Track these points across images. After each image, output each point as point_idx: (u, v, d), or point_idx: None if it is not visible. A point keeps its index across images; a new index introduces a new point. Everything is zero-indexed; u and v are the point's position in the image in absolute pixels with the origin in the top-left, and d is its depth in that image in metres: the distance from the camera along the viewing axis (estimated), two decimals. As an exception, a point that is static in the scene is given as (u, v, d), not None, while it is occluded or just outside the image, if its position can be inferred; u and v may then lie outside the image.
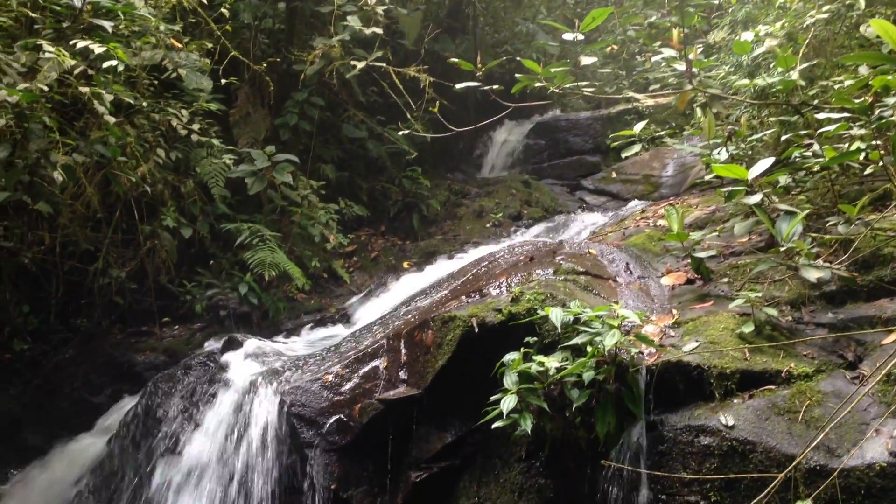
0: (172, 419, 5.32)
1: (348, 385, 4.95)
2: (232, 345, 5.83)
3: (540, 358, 3.92)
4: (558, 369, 3.85)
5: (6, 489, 6.19)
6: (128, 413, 5.71)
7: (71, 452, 6.13)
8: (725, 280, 4.63)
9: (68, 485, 5.85)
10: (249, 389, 5.13)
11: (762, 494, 3.13)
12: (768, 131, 5.46)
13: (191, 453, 5.06)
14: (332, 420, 4.82)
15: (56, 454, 6.21)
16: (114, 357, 6.72)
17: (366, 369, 4.99)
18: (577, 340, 3.88)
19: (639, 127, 5.01)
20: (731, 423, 3.48)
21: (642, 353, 3.91)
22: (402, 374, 4.86)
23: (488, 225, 9.58)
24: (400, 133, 7.16)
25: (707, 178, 5.72)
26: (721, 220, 5.54)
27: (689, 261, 4.82)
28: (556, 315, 4.01)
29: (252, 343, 5.86)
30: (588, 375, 3.74)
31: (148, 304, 6.98)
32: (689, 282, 4.80)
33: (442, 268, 7.82)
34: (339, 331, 6.71)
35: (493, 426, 3.91)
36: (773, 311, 3.93)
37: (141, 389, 5.76)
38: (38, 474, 6.13)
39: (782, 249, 4.15)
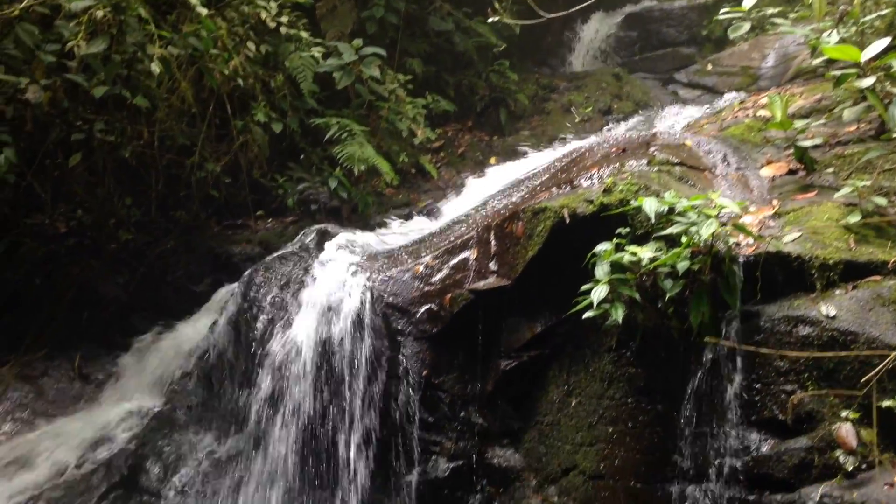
0: (269, 307, 5.49)
1: (439, 276, 5.02)
2: (324, 236, 5.95)
3: (633, 248, 3.88)
4: (651, 260, 3.80)
5: (116, 372, 6.58)
6: (227, 301, 5.94)
7: (175, 338, 6.43)
8: (830, 170, 4.44)
9: (173, 369, 6.17)
10: (342, 279, 5.24)
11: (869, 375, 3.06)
12: (883, 11, 5.10)
13: (287, 339, 5.24)
14: (423, 309, 4.92)
15: (161, 340, 6.54)
16: (212, 248, 6.96)
17: (456, 260, 5.04)
18: (672, 230, 3.80)
19: (749, 2, 4.71)
20: (832, 313, 3.40)
21: (739, 244, 3.82)
22: (492, 266, 4.88)
23: (577, 120, 9.37)
24: (489, 20, 6.99)
25: (814, 63, 5.41)
26: (827, 109, 5.27)
27: (792, 151, 4.63)
28: (650, 205, 3.93)
29: (343, 235, 5.96)
30: (682, 266, 3.68)
31: (242, 197, 7.15)
32: (791, 172, 4.62)
33: (530, 162, 7.71)
34: (427, 225, 6.74)
35: (584, 316, 3.92)
36: (882, 201, 3.76)
37: (238, 279, 5.95)
38: (144, 357, 6.48)
39: (894, 136, 3.93)
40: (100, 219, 6.64)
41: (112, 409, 5.99)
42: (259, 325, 5.45)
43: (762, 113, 5.83)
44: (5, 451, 5.77)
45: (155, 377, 6.19)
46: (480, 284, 4.83)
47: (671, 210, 3.92)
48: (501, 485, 4.63)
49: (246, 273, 5.85)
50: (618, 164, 4.91)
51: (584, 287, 3.94)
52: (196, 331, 6.24)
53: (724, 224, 3.79)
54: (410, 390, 4.81)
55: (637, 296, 3.84)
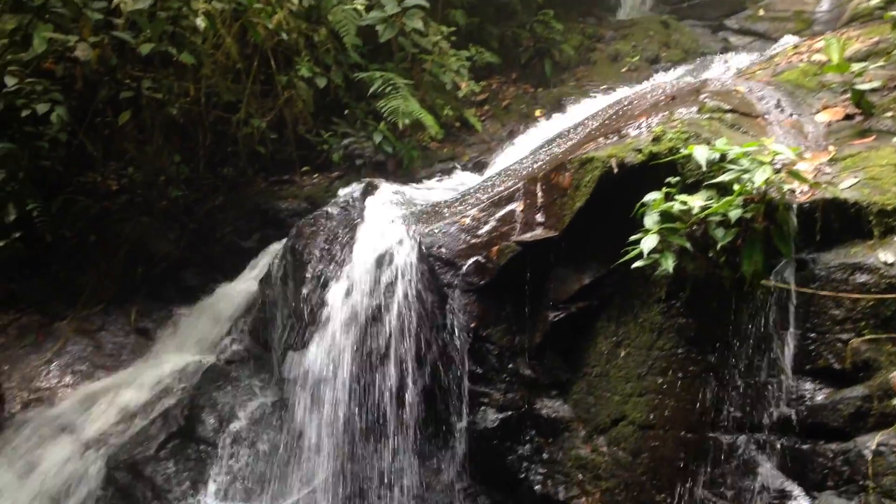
0: (317, 260, 5.53)
1: (485, 228, 4.99)
2: (370, 190, 5.96)
3: (683, 197, 3.81)
4: (702, 208, 3.74)
5: (170, 326, 6.74)
6: (275, 256, 6.01)
7: (226, 292, 6.55)
8: (889, 115, 4.30)
9: (225, 322, 6.29)
10: (389, 232, 5.25)
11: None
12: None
13: (335, 293, 5.29)
14: (469, 262, 4.91)
15: (213, 294, 6.66)
16: (259, 204, 7.04)
17: (502, 212, 5.01)
18: (724, 178, 3.73)
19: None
20: (891, 260, 3.32)
21: (794, 191, 3.74)
22: (539, 217, 4.84)
23: (624, 69, 9.19)
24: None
25: (871, 3, 5.22)
26: (885, 52, 5.08)
27: (849, 95, 4.48)
28: (701, 153, 3.85)
29: (389, 188, 5.96)
30: (735, 214, 3.61)
31: (288, 153, 7.20)
32: (848, 117, 4.48)
33: (576, 113, 7.60)
34: (472, 178, 6.71)
35: (633, 266, 3.88)
36: (944, 145, 3.64)
37: (286, 235, 6.00)
38: (197, 311, 6.62)
39: (958, 78, 3.79)
40: (149, 176, 6.76)
41: (167, 361, 6.15)
42: (307, 278, 5.51)
43: (817, 57, 5.65)
44: (68, 402, 5.98)
45: (207, 331, 6.32)
46: (527, 236, 4.80)
47: (723, 157, 3.83)
48: (550, 435, 4.66)
49: (293, 228, 5.90)
50: (667, 112, 4.81)
51: (632, 237, 3.89)
52: (246, 285, 6.34)
53: (778, 171, 3.70)
54: (458, 342, 4.83)
55: (687, 245, 3.78)
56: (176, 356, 6.21)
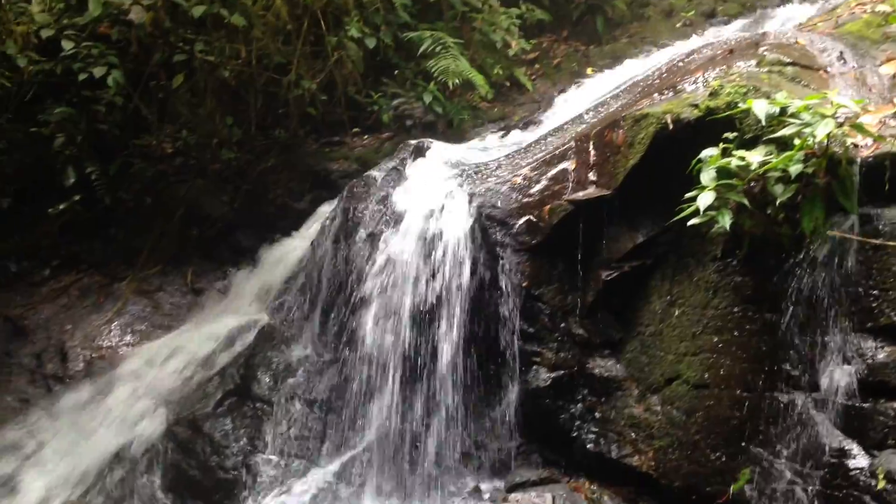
0: (369, 221, 5.57)
1: (537, 187, 4.96)
2: (420, 151, 5.94)
3: (741, 153, 3.73)
4: (761, 164, 3.65)
5: (225, 286, 6.86)
6: (328, 217, 6.05)
7: (279, 253, 6.62)
8: (958, 65, 4.14)
9: (279, 283, 6.37)
10: (440, 192, 5.25)
11: None
12: None
13: (386, 252, 5.32)
14: (521, 221, 4.89)
15: (266, 255, 6.74)
16: (310, 166, 7.09)
17: (554, 171, 4.96)
18: (784, 133, 3.63)
19: None
20: (958, 215, 3.21)
21: (857, 145, 3.62)
22: (592, 175, 4.79)
23: (678, 25, 8.95)
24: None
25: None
26: (956, 0, 4.88)
27: (916, 45, 4.32)
28: (760, 107, 3.75)
29: (440, 148, 5.94)
30: (795, 169, 3.52)
31: (338, 114, 7.22)
32: (915, 69, 4.32)
33: (628, 71, 7.45)
34: (523, 137, 6.63)
35: (688, 224, 3.82)
36: None
37: (337, 195, 6.04)
38: (251, 272, 6.72)
39: None
40: (203, 139, 6.84)
41: (223, 321, 6.27)
42: (359, 239, 5.54)
43: (881, 8, 5.44)
44: (129, 360, 6.15)
45: (261, 291, 6.41)
46: (580, 195, 4.75)
47: (783, 111, 3.72)
48: (603, 394, 4.65)
49: (345, 189, 5.94)
50: (724, 66, 4.69)
51: (688, 194, 3.82)
52: (299, 246, 6.40)
53: (840, 124, 3.58)
54: (510, 302, 4.83)
55: (745, 201, 3.70)
56: (231, 316, 6.32)
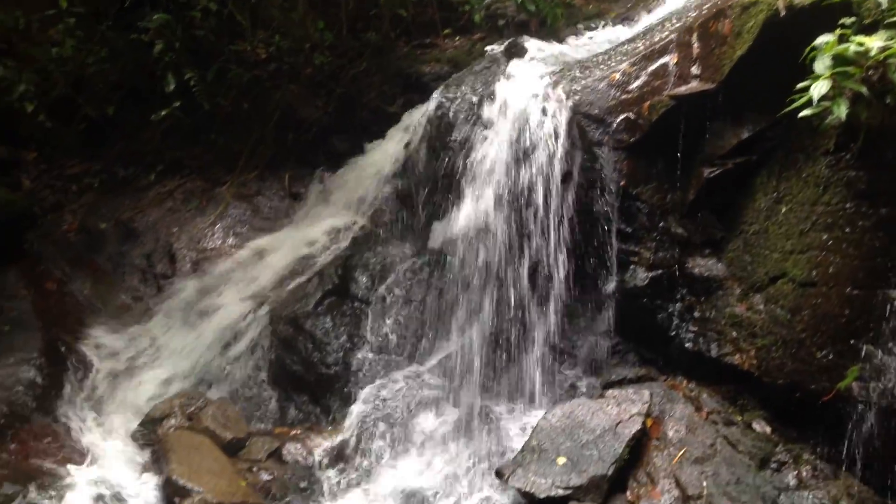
0: (462, 122, 5.52)
1: (636, 83, 4.82)
2: (515, 49, 5.82)
3: (859, 38, 3.53)
4: (882, 49, 3.45)
5: (321, 190, 6.96)
6: (420, 120, 6.03)
7: (373, 157, 6.65)
8: None
9: (373, 187, 6.42)
10: (535, 90, 5.15)
11: None
12: None
13: (481, 153, 5.29)
14: (619, 118, 4.77)
15: (361, 159, 6.79)
16: (402, 69, 7.02)
17: (654, 66, 4.80)
18: (908, 15, 3.40)
19: None
20: None
21: None
22: (695, 69, 4.62)
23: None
24: None
25: None
26: None
27: None
28: (883, -12, 3.52)
29: (534, 46, 5.81)
30: (920, 54, 3.31)
31: (429, 15, 7.09)
32: None
33: (733, -39, 7.06)
34: (621, 33, 6.40)
35: (800, 115, 3.66)
36: None
37: (429, 98, 5.99)
38: (346, 176, 6.79)
39: None
40: (295, 43, 6.84)
41: (320, 224, 6.40)
42: (452, 140, 5.52)
43: None
44: (231, 261, 6.37)
45: (357, 195, 6.48)
46: (682, 90, 4.60)
47: (908, -7, 3.49)
48: (703, 294, 4.59)
49: (437, 91, 5.88)
50: (843, -53, 4.38)
51: (800, 84, 3.65)
52: (392, 150, 6.42)
53: (974, 5, 3.34)
54: (607, 200, 4.77)
55: (863, 90, 3.51)
56: (328, 219, 6.44)
